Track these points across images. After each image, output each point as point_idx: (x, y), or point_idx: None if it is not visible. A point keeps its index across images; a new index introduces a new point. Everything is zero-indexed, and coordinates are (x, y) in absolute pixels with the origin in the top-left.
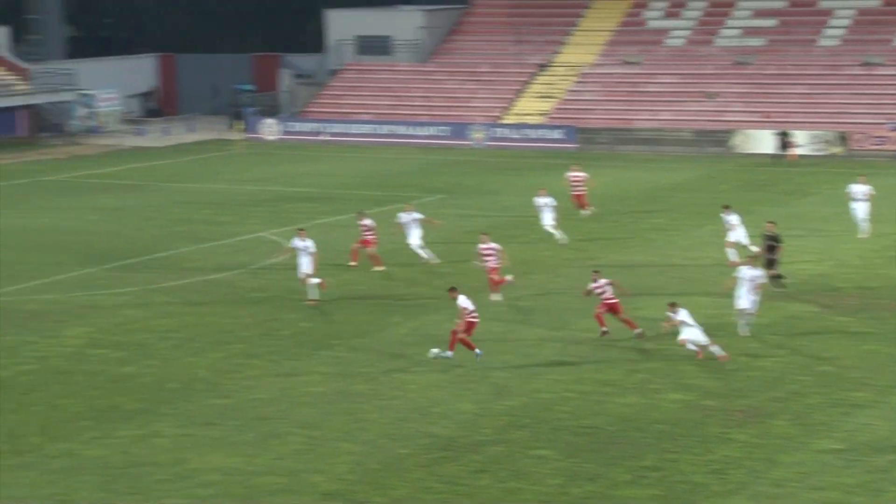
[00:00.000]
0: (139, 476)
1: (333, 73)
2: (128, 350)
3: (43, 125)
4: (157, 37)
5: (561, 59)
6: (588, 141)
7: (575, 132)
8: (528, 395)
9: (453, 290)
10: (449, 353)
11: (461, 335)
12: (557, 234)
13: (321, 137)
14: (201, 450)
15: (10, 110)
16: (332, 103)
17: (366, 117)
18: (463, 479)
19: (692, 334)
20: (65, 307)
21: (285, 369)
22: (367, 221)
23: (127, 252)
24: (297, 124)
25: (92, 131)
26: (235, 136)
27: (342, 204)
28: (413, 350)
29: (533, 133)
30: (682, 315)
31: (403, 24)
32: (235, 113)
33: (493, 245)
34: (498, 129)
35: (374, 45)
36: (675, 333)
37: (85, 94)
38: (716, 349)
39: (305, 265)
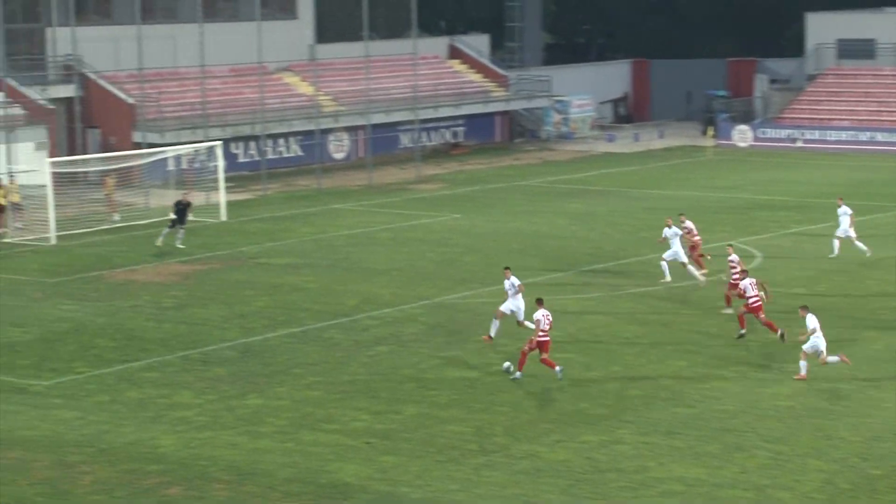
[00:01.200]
0: (602, 482)
1: (812, 77)
2: (592, 355)
3: (518, 131)
4: (631, 42)
5: None
6: None
7: None
8: None
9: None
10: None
11: (535, 350)
12: None
13: (796, 144)
14: (663, 459)
15: (489, 116)
16: (808, 109)
17: (844, 124)
18: None
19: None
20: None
21: (752, 381)
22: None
23: (594, 257)
24: (771, 130)
25: (564, 137)
26: (707, 142)
27: (816, 213)
28: (889, 367)
29: None
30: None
31: (889, 27)
32: (707, 119)
33: None
34: None
35: (856, 49)
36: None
37: (559, 101)
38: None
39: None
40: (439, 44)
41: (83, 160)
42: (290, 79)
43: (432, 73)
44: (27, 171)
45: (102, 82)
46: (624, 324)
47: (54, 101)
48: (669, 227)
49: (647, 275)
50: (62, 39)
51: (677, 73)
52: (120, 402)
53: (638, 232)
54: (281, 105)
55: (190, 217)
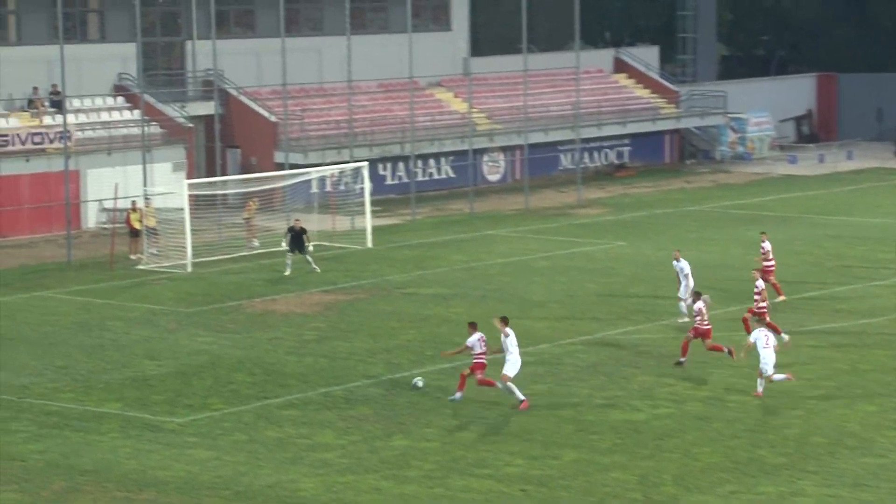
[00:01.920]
0: None
1: None
2: (770, 397)
3: (689, 151)
4: (817, 55)
5: None
6: None
7: None
8: None
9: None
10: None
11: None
12: None
13: None
14: None
15: (658, 135)
16: None
17: None
18: None
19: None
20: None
21: None
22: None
23: (772, 290)
24: None
25: (741, 158)
26: None
27: None
28: None
29: None
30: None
31: None
32: None
33: None
34: None
35: None
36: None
37: (735, 118)
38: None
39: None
40: (604, 56)
41: (222, 182)
42: (443, 94)
43: (596, 88)
44: (163, 194)
45: (244, 99)
46: (806, 363)
47: (193, 118)
48: (678, 260)
49: (832, 310)
50: (202, 53)
51: (868, 87)
52: (258, 442)
53: (822, 262)
54: (432, 123)
55: (309, 246)
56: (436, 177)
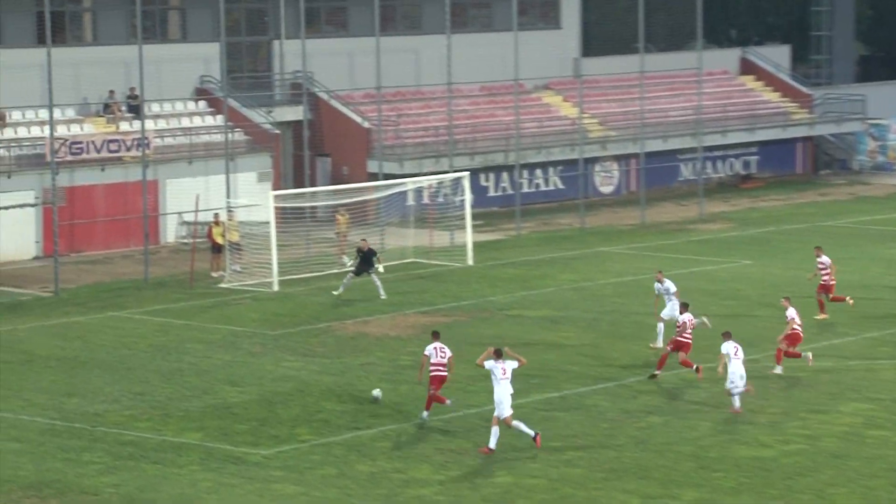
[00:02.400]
0: None
1: None
2: None
3: (824, 161)
4: None
5: None
6: None
7: None
8: None
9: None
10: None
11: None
12: None
13: None
14: None
15: (789, 143)
16: None
17: None
18: None
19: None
20: (840, 378)
21: None
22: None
23: None
24: None
25: (881, 168)
26: None
27: None
28: None
29: None
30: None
31: None
32: None
33: None
34: None
35: None
36: None
37: (875, 124)
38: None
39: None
40: (729, 56)
41: (311, 193)
42: (551, 98)
43: (720, 91)
44: (248, 206)
45: (335, 103)
46: None
47: (280, 124)
48: (661, 282)
49: None
50: (290, 54)
51: None
52: (349, 477)
53: None
54: (539, 129)
55: (380, 268)
56: (543, 188)
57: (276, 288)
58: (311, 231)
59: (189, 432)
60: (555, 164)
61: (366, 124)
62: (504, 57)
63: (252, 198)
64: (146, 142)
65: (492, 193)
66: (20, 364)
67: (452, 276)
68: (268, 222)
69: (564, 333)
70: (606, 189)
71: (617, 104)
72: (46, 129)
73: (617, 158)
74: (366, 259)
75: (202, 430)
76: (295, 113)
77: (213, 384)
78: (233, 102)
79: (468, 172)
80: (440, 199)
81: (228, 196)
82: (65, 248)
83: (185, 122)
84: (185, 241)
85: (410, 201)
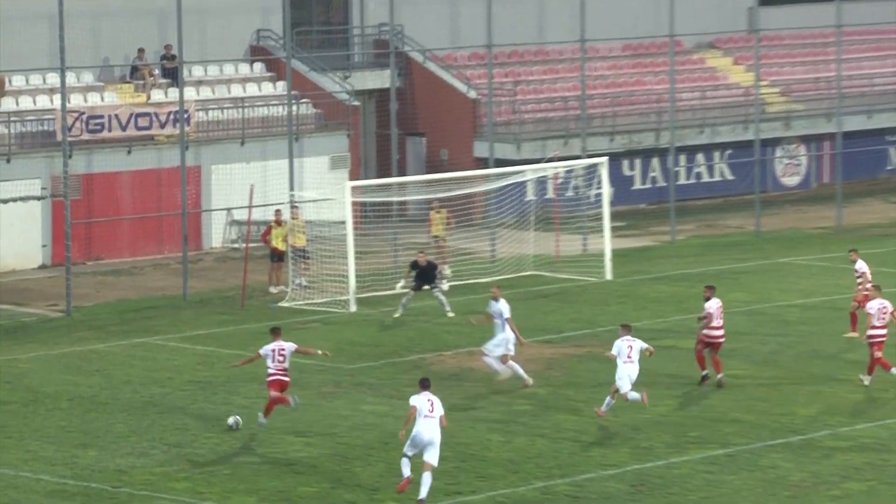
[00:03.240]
0: None
1: None
2: None
3: None
4: None
5: None
6: None
7: None
8: None
9: None
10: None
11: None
12: None
13: None
14: None
15: None
16: None
17: None
18: None
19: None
20: None
21: None
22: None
23: None
24: None
25: None
26: None
27: None
28: None
29: None
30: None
31: None
32: None
33: None
34: None
35: None
36: None
37: None
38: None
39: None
40: None
41: (400, 184)
42: (716, 60)
43: None
44: (318, 200)
45: (432, 67)
46: None
47: (360, 94)
48: (497, 299)
49: None
50: (375, 3)
51: None
52: None
53: None
54: (701, 102)
55: (444, 284)
56: (705, 179)
57: (353, 308)
58: (400, 234)
59: (239, 496)
60: (722, 147)
61: (472, 94)
62: (655, 7)
63: (323, 190)
64: (186, 116)
65: (638, 186)
66: (22, 405)
67: (585, 295)
68: (343, 222)
69: (734, 370)
70: (790, 181)
71: (805, 68)
72: (57, 98)
73: (805, 140)
74: (424, 275)
75: (255, 492)
76: (380, 79)
77: (271, 433)
78: (298, 65)
79: (606, 158)
80: (570, 194)
81: (292, 188)
82: (79, 254)
83: (237, 91)
84: (236, 246)
85: (530, 196)
